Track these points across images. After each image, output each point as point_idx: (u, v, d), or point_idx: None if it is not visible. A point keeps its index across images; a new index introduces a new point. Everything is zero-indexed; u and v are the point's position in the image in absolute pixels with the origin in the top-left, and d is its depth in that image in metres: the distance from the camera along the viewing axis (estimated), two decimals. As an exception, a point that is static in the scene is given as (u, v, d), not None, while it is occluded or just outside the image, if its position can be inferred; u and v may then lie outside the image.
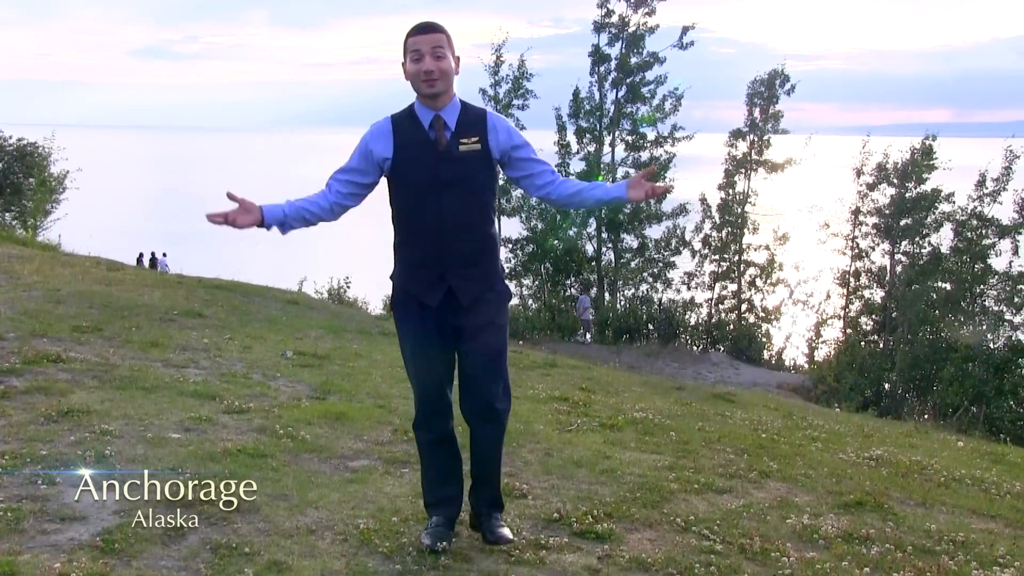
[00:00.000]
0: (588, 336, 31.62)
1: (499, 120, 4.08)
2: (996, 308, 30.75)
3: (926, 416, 30.23)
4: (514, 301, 35.71)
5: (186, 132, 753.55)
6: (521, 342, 25.06)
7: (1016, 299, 29.81)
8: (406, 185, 3.98)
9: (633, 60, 35.02)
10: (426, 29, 3.85)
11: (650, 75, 35.28)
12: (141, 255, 40.22)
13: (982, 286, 30.91)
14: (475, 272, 4.09)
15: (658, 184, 4.18)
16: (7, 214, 37.93)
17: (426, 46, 3.81)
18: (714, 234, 36.61)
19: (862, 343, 34.30)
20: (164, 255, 41.30)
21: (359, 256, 65.78)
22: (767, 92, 36.00)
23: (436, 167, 3.92)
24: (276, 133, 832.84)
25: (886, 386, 30.87)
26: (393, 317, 4.21)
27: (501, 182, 34.73)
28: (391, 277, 4.18)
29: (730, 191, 36.48)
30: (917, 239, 34.01)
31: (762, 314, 36.59)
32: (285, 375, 8.22)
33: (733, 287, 37.00)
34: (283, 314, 12.96)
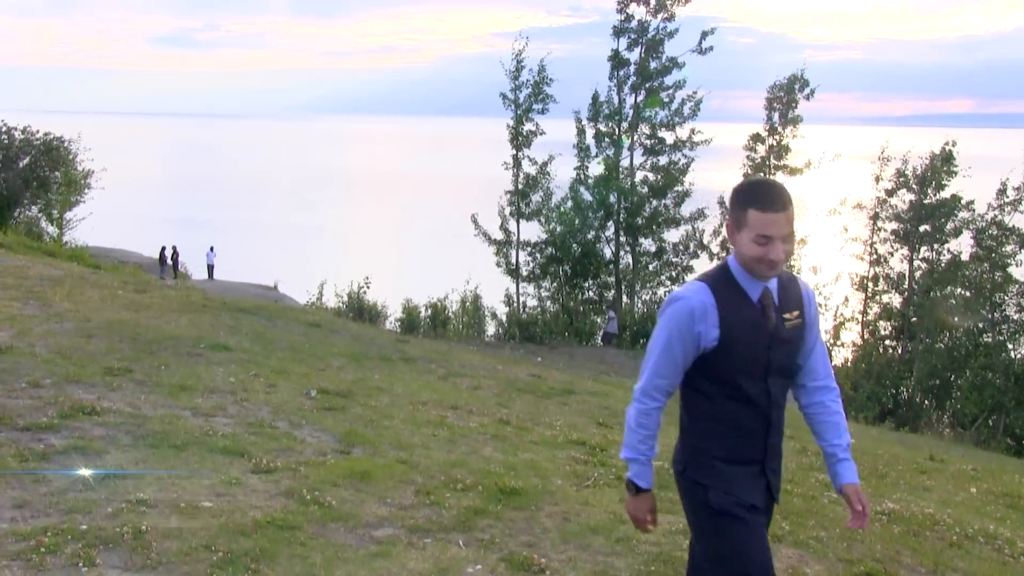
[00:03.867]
0: (612, 341, 32.07)
1: (807, 286, 3.44)
2: (1016, 317, 30.70)
3: (944, 421, 30.40)
4: (532, 303, 36.02)
5: (206, 119, 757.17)
6: (540, 359, 25.11)
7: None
8: (731, 372, 3.25)
9: (652, 65, 35.12)
10: (781, 204, 3.12)
11: (669, 80, 35.34)
12: (164, 249, 40.86)
13: (1002, 295, 30.85)
14: (781, 462, 3.48)
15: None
16: (33, 207, 38.51)
17: (779, 230, 3.09)
18: (732, 237, 36.70)
19: (880, 348, 34.33)
20: (211, 249, 42.36)
21: (377, 254, 66.31)
22: (786, 97, 35.98)
23: (767, 352, 3.26)
24: (295, 121, 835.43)
25: (904, 393, 30.94)
26: (713, 525, 3.33)
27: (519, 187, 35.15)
28: (683, 474, 3.46)
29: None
30: (936, 245, 33.93)
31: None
32: (310, 422, 8.44)
33: (751, 291, 37.07)
34: (306, 340, 13.20)
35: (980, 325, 30.68)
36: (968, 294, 31.66)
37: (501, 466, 7.75)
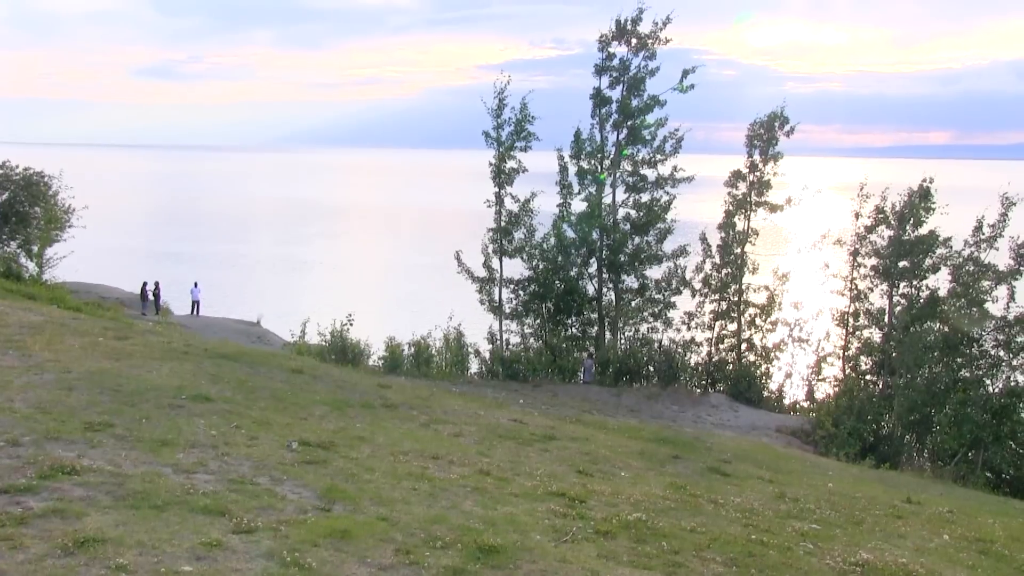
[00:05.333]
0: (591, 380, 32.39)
1: None
2: (993, 352, 30.91)
3: (925, 455, 30.52)
4: (515, 340, 36.02)
5: (190, 151, 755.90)
6: (522, 400, 25.11)
7: (1013, 344, 29.98)
8: None
9: (634, 103, 35.38)
10: None
11: (651, 118, 35.60)
12: (145, 284, 40.79)
13: (979, 330, 31.07)
14: None
15: None
16: (12, 242, 38.31)
17: None
18: (714, 274, 36.84)
19: (861, 382, 34.50)
20: (196, 285, 42.43)
21: (360, 288, 66.25)
22: (766, 134, 36.30)
23: None
24: (280, 152, 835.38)
25: (884, 429, 31.09)
26: None
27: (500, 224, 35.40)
28: None
29: (730, 231, 36.72)
30: (915, 281, 34.23)
31: (762, 353, 36.80)
32: (291, 477, 8.48)
33: (733, 326, 37.19)
34: (288, 387, 13.23)
35: (959, 361, 30.91)
36: (946, 330, 31.83)
37: (481, 521, 7.82)
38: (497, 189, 35.69)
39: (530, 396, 25.87)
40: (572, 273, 36.30)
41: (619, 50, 35.87)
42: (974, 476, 27.14)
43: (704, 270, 36.91)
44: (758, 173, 36.70)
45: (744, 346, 37.01)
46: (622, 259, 35.78)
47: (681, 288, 36.34)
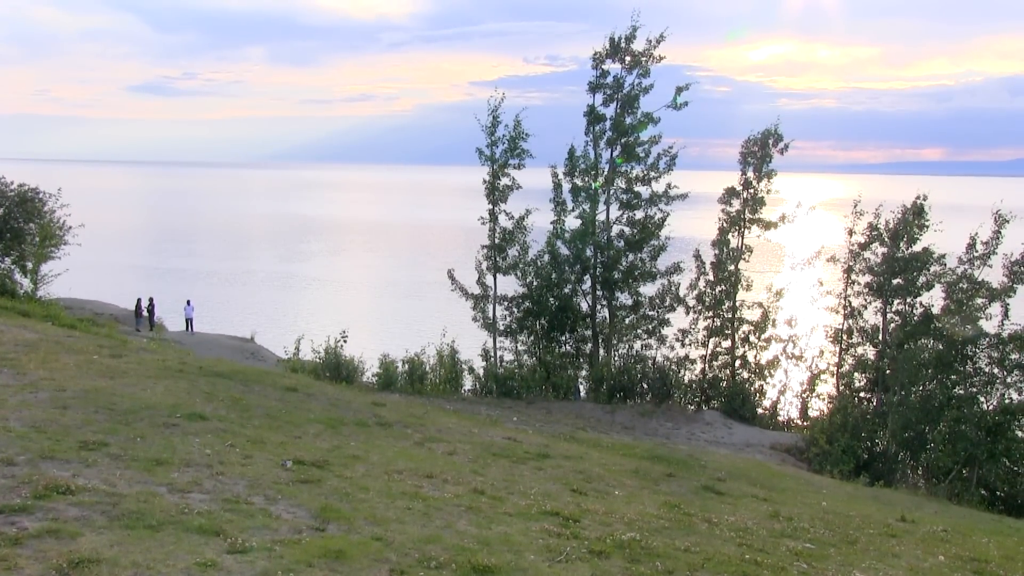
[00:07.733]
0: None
1: None
2: (987, 369, 30.96)
3: (919, 472, 30.53)
4: (508, 357, 36.01)
5: (184, 167, 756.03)
6: (515, 418, 25.10)
7: (1007, 361, 30.05)
8: None
9: (628, 120, 35.51)
10: None
11: (644, 135, 35.75)
12: (139, 300, 40.66)
13: (973, 347, 31.15)
14: None
15: None
16: (7, 258, 38.22)
17: None
18: (708, 291, 36.89)
19: (855, 399, 34.53)
20: (188, 302, 42.36)
21: (354, 304, 66.23)
22: (760, 151, 36.42)
23: None
24: (274, 168, 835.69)
25: (879, 446, 31.10)
26: None
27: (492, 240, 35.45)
28: None
29: (724, 248, 36.80)
30: (908, 299, 34.33)
31: (756, 370, 36.84)
32: (286, 496, 8.48)
33: (727, 343, 37.24)
34: (282, 405, 13.23)
35: (953, 378, 30.93)
36: (941, 347, 31.90)
37: (475, 541, 7.82)
38: (491, 206, 35.79)
39: (524, 413, 25.87)
40: (566, 290, 36.37)
41: (613, 67, 36.12)
42: (968, 494, 27.15)
43: (698, 287, 36.98)
44: (752, 190, 36.84)
45: (738, 363, 37.07)
46: (616, 276, 35.87)
47: (675, 305, 36.41)
